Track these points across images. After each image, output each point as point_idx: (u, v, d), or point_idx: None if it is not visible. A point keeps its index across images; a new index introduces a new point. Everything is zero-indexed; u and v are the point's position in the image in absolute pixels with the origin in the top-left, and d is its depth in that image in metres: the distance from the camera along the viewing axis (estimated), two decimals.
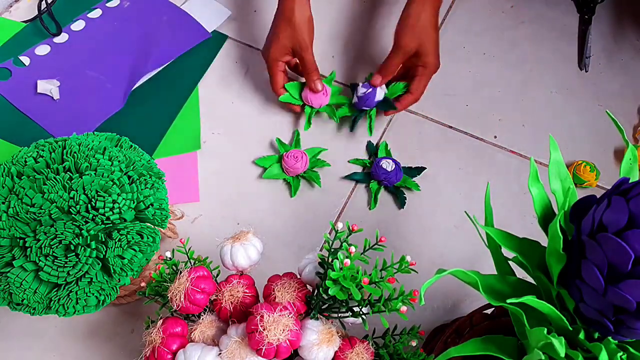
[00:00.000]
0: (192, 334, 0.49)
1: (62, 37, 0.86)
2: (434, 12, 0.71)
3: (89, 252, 0.48)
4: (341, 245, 0.49)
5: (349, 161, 0.76)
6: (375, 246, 0.50)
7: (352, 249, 0.47)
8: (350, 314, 0.49)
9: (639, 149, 0.73)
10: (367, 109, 0.76)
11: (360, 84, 0.76)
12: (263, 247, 0.54)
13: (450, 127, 0.79)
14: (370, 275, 0.46)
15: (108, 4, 0.89)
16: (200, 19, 0.87)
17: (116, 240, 0.49)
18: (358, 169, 0.75)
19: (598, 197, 0.38)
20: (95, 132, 0.57)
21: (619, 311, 0.34)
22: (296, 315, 0.47)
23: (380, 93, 0.75)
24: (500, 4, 0.90)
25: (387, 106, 0.75)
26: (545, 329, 0.36)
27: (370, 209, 0.72)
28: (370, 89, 0.74)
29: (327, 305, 0.49)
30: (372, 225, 0.71)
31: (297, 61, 0.76)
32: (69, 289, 0.49)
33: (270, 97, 0.80)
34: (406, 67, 0.75)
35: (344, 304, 0.48)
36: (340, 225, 0.50)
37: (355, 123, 0.76)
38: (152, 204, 0.52)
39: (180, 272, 0.50)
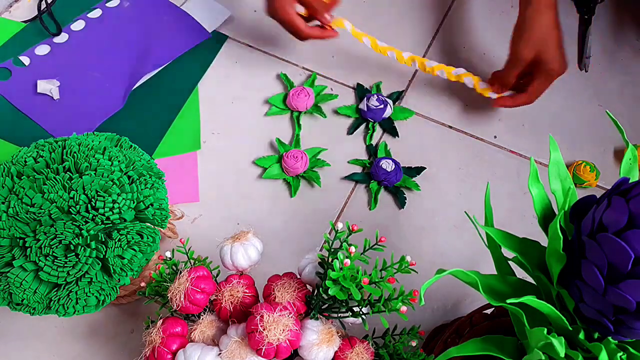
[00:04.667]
0: (192, 334, 0.49)
1: (62, 37, 0.86)
2: (551, 13, 0.67)
3: (89, 252, 0.48)
4: (341, 245, 0.49)
5: (348, 161, 0.76)
6: (375, 246, 0.50)
7: (352, 249, 0.47)
8: (350, 314, 0.49)
9: (639, 148, 0.73)
10: (372, 121, 0.78)
11: (375, 96, 0.77)
12: (263, 247, 0.54)
13: (450, 127, 0.79)
14: (370, 275, 0.46)
15: (108, 4, 0.89)
16: (200, 19, 0.87)
17: (116, 240, 0.49)
18: (358, 169, 0.75)
19: (598, 197, 0.38)
20: (95, 132, 0.57)
21: (619, 311, 0.34)
22: (296, 315, 0.47)
23: (389, 111, 0.78)
24: (500, 4, 0.90)
25: (390, 127, 0.78)
26: (545, 329, 0.36)
27: (370, 209, 0.72)
28: (383, 105, 0.77)
29: (327, 305, 0.49)
30: (372, 225, 0.71)
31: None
32: (69, 289, 0.49)
33: (270, 97, 0.80)
34: (525, 72, 0.71)
35: (344, 304, 0.48)
36: (340, 225, 0.50)
37: (356, 128, 0.78)
38: (152, 204, 0.52)
39: (180, 272, 0.50)
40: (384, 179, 0.72)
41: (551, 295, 0.40)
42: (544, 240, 0.41)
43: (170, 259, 0.53)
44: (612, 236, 0.33)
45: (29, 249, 0.48)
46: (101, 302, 0.51)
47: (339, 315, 0.49)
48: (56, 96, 0.80)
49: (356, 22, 0.88)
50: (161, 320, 0.49)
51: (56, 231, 0.48)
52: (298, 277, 0.51)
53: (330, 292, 0.46)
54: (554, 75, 0.69)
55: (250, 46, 0.86)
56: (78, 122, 0.78)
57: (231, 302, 0.49)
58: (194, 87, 0.82)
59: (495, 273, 0.45)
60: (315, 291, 0.50)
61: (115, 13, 0.88)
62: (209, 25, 0.87)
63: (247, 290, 0.50)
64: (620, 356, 0.37)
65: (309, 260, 0.51)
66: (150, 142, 0.77)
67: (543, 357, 0.37)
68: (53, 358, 0.64)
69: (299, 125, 0.78)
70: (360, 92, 0.81)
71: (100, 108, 0.79)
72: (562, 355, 0.35)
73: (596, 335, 0.39)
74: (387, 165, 0.72)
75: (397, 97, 0.81)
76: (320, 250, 0.65)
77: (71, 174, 0.50)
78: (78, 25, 0.87)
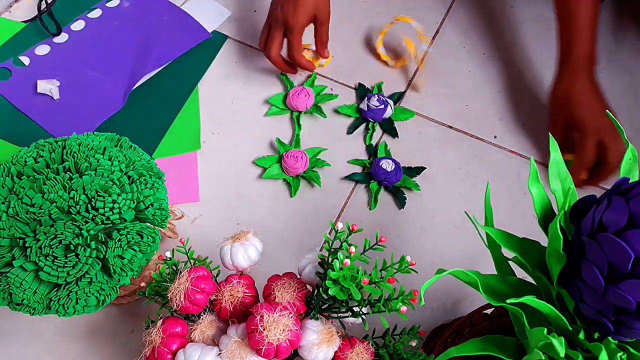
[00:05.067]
0: (192, 334, 0.49)
1: (62, 37, 0.86)
2: (591, 79, 0.69)
3: (89, 252, 0.48)
4: (341, 245, 0.49)
5: (348, 161, 0.76)
6: (375, 246, 0.50)
7: (352, 249, 0.47)
8: (350, 314, 0.49)
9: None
10: (372, 121, 0.78)
11: (376, 96, 0.77)
12: (263, 247, 0.54)
13: (450, 127, 0.79)
14: (370, 275, 0.46)
15: (108, 4, 0.89)
16: (200, 19, 0.87)
17: (116, 240, 0.49)
18: (358, 169, 0.75)
19: (598, 197, 0.38)
20: (95, 132, 0.57)
21: (619, 311, 0.34)
22: (296, 315, 0.47)
23: (389, 111, 0.78)
24: (500, 4, 0.90)
25: (390, 127, 0.78)
26: (545, 329, 0.36)
27: (370, 209, 0.72)
28: (383, 105, 0.77)
29: (327, 305, 0.49)
30: (372, 225, 0.71)
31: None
32: (69, 289, 0.49)
33: (270, 97, 0.80)
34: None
35: (344, 304, 0.48)
36: (340, 225, 0.50)
37: (356, 128, 0.78)
38: (152, 204, 0.52)
39: (180, 272, 0.50)
40: (384, 179, 0.72)
41: (551, 295, 0.40)
42: (544, 240, 0.41)
43: (170, 259, 0.53)
44: (612, 236, 0.33)
45: (29, 249, 0.48)
46: (101, 302, 0.51)
47: (339, 315, 0.49)
48: (56, 96, 0.80)
49: (354, 22, 0.88)
50: (161, 320, 0.49)
51: (56, 231, 0.48)
52: (298, 277, 0.51)
53: (330, 292, 0.46)
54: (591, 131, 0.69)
55: (250, 46, 0.86)
56: (78, 122, 0.78)
57: (231, 302, 0.49)
58: (194, 87, 0.82)
59: (495, 273, 0.44)
60: (315, 291, 0.50)
61: (115, 13, 0.88)
62: (209, 25, 0.87)
63: (247, 290, 0.50)
64: (620, 356, 0.37)
65: (309, 260, 0.51)
66: (150, 142, 0.77)
67: (543, 357, 0.37)
68: (53, 358, 0.64)
69: (299, 125, 0.78)
70: (362, 92, 0.81)
71: (100, 108, 0.79)
72: (562, 355, 0.35)
73: (596, 335, 0.39)
74: (387, 165, 0.72)
75: (397, 97, 0.81)
76: (320, 250, 0.65)
77: (71, 174, 0.50)
78: (78, 25, 0.87)
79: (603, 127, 0.68)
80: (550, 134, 0.69)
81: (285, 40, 0.77)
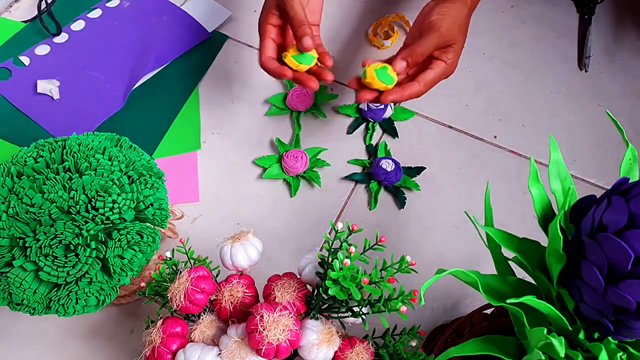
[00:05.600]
0: (192, 334, 0.49)
1: (62, 37, 0.86)
2: (469, 14, 0.64)
3: (88, 252, 0.48)
4: (341, 245, 0.49)
5: (348, 161, 0.76)
6: (375, 246, 0.50)
7: (352, 249, 0.47)
8: (350, 314, 0.49)
9: None
10: (372, 121, 0.78)
11: None
12: (263, 247, 0.54)
13: (450, 127, 0.79)
14: (370, 275, 0.46)
15: (108, 4, 0.89)
16: (200, 19, 0.87)
17: (116, 240, 0.49)
18: (358, 169, 0.75)
19: (598, 197, 0.38)
20: (95, 132, 0.57)
21: (619, 311, 0.34)
22: (296, 315, 0.47)
23: (390, 112, 0.77)
24: (500, 4, 0.90)
25: (390, 127, 0.77)
26: (545, 329, 0.36)
27: (370, 209, 0.72)
28: (383, 105, 0.76)
29: (327, 305, 0.49)
30: (372, 225, 0.71)
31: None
32: (69, 289, 0.49)
33: (270, 97, 0.80)
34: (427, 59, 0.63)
35: (344, 304, 0.48)
36: (340, 225, 0.50)
37: (356, 128, 0.78)
38: (152, 204, 0.52)
39: (180, 272, 0.50)
40: (384, 179, 0.72)
41: (551, 295, 0.40)
42: (544, 240, 0.41)
43: (170, 259, 0.53)
44: (612, 236, 0.33)
45: (29, 249, 0.48)
46: (101, 302, 0.51)
47: (339, 315, 0.49)
48: (56, 96, 0.80)
49: (354, 19, 0.88)
50: (161, 320, 0.49)
51: (56, 231, 0.48)
52: (298, 277, 0.51)
53: (330, 292, 0.46)
54: (451, 70, 0.63)
55: (250, 46, 0.86)
56: (78, 122, 0.78)
57: (231, 302, 0.49)
58: (194, 87, 0.82)
59: (495, 273, 0.44)
60: (315, 291, 0.50)
61: (115, 13, 0.88)
62: (209, 25, 0.87)
63: (247, 290, 0.50)
64: (620, 356, 0.37)
65: (309, 260, 0.51)
66: (150, 142, 0.77)
67: (543, 357, 0.37)
68: (53, 358, 0.64)
69: (299, 125, 0.78)
70: None
71: (100, 108, 0.79)
72: (562, 355, 0.35)
73: (596, 335, 0.39)
74: (387, 165, 0.72)
75: None
76: (320, 250, 0.65)
77: (71, 174, 0.50)
78: (78, 25, 0.87)
79: (453, 68, 0.63)
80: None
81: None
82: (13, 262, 0.48)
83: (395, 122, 0.78)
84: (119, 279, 0.51)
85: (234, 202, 0.73)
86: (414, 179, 0.73)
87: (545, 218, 0.42)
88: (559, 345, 0.35)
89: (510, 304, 0.37)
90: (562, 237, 0.36)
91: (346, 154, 0.76)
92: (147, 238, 0.51)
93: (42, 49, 0.85)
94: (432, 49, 0.61)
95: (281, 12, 0.62)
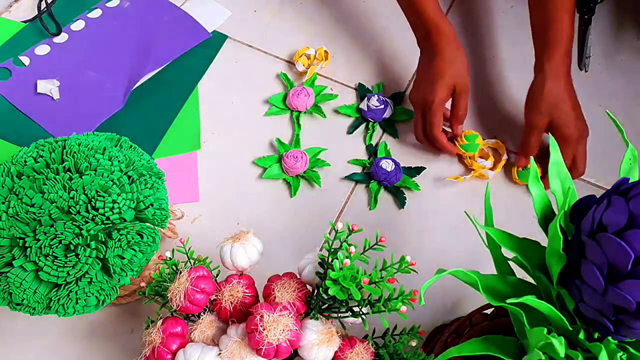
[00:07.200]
0: (192, 334, 0.49)
1: (62, 37, 0.86)
2: (563, 80, 0.68)
3: (88, 252, 0.48)
4: (341, 245, 0.49)
5: (348, 161, 0.76)
6: (375, 246, 0.50)
7: (352, 249, 0.47)
8: (350, 314, 0.49)
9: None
10: (372, 121, 0.78)
11: (376, 96, 0.78)
12: (263, 247, 0.54)
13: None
14: (370, 275, 0.46)
15: (108, 4, 0.89)
16: (200, 19, 0.87)
17: (116, 240, 0.49)
18: (358, 169, 0.75)
19: (598, 197, 0.38)
20: (95, 132, 0.57)
21: (618, 311, 0.34)
22: (296, 315, 0.47)
23: (389, 111, 0.78)
24: (500, 4, 0.90)
25: (390, 127, 0.78)
26: (545, 329, 0.36)
27: (370, 209, 0.72)
28: (383, 105, 0.77)
29: (327, 305, 0.49)
30: (372, 225, 0.71)
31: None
32: (69, 289, 0.49)
33: (270, 97, 0.80)
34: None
35: (344, 304, 0.48)
36: (340, 225, 0.50)
37: (356, 128, 0.78)
38: (152, 204, 0.52)
39: (180, 272, 0.50)
40: (384, 179, 0.72)
41: (551, 295, 0.40)
42: (544, 240, 0.41)
43: (170, 259, 0.53)
44: (612, 236, 0.33)
45: (29, 249, 0.48)
46: (101, 302, 0.51)
47: (339, 315, 0.49)
48: (56, 96, 0.80)
49: (355, 23, 0.88)
50: (161, 320, 0.49)
51: (56, 231, 0.48)
52: (298, 277, 0.51)
53: (330, 292, 0.46)
54: (572, 139, 0.68)
55: (250, 46, 0.86)
56: (78, 122, 0.78)
57: (231, 302, 0.49)
58: (194, 87, 0.82)
59: (495, 273, 0.45)
60: (315, 291, 0.50)
61: (115, 13, 0.88)
62: (209, 25, 0.87)
63: (247, 290, 0.50)
64: (620, 356, 0.37)
65: (309, 260, 0.51)
66: (150, 142, 0.77)
67: (543, 357, 0.37)
68: (53, 358, 0.64)
69: (299, 125, 0.78)
70: (362, 91, 0.81)
71: (100, 108, 0.79)
72: (562, 355, 0.35)
73: (596, 335, 0.39)
74: (387, 165, 0.72)
75: (397, 97, 0.80)
76: (320, 250, 0.65)
77: (71, 174, 0.50)
78: (78, 25, 0.87)
79: (581, 137, 0.69)
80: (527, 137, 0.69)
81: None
82: (13, 262, 0.48)
83: (395, 122, 0.78)
84: (119, 279, 0.51)
85: (234, 202, 0.73)
86: (414, 179, 0.73)
87: (545, 218, 0.42)
88: (559, 345, 0.35)
89: (510, 304, 0.37)
90: (562, 237, 0.36)
91: (346, 154, 0.76)
92: (147, 238, 0.51)
93: (42, 49, 0.85)
94: (537, 142, 0.70)
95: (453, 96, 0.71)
